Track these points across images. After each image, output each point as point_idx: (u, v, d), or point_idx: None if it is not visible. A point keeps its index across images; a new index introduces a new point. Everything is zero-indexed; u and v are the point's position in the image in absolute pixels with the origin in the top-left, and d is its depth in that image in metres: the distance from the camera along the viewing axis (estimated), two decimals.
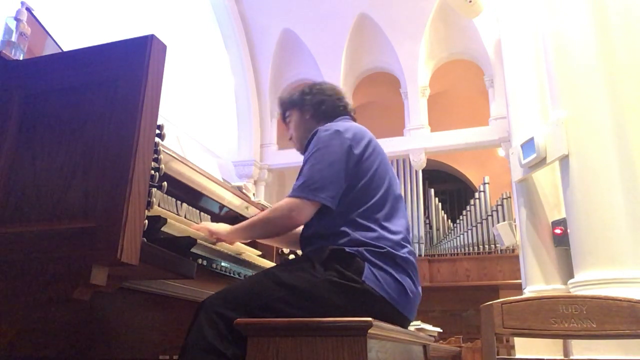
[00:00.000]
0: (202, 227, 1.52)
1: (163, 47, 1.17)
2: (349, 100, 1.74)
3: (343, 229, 1.39)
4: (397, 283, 1.36)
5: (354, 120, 1.69)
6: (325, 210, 1.42)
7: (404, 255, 1.41)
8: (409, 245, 1.46)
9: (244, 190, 2.30)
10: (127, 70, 1.12)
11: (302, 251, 1.55)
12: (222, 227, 1.54)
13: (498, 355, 1.75)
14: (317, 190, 1.39)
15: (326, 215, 1.42)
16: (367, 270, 1.32)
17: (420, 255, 9.41)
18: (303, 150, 1.62)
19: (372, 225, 1.40)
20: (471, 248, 9.59)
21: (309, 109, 1.68)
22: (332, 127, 1.50)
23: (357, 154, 1.46)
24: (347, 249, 1.35)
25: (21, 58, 1.45)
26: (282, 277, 1.32)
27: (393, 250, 1.38)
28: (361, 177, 1.45)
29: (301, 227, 1.79)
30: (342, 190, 1.42)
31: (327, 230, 1.42)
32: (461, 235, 9.77)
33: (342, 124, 1.55)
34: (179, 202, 1.80)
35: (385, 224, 1.43)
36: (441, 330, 4.94)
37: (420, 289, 1.47)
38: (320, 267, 1.33)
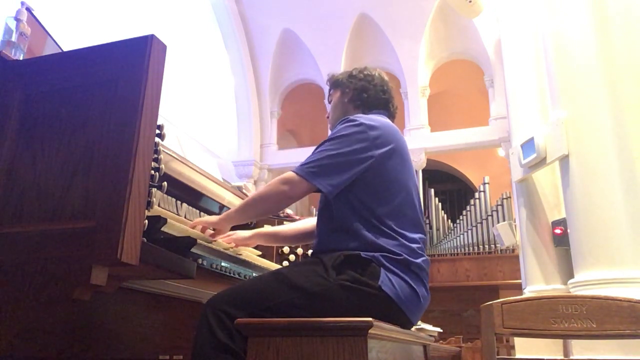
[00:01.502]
0: (196, 222, 1.50)
1: (163, 47, 1.17)
2: (393, 95, 1.69)
3: (361, 230, 1.37)
4: (411, 290, 1.35)
5: (392, 117, 1.65)
6: (344, 206, 1.40)
7: (419, 262, 1.39)
8: (424, 255, 1.44)
9: (244, 190, 2.31)
10: (127, 70, 1.12)
11: (314, 241, 1.53)
12: (213, 217, 1.52)
13: (498, 355, 1.75)
14: (317, 174, 1.37)
15: (345, 212, 1.40)
16: (383, 276, 1.31)
17: None
18: None
19: (391, 232, 1.38)
20: (471, 248, 9.59)
21: (350, 92, 1.64)
22: (361, 119, 1.46)
23: (376, 154, 1.42)
24: (362, 254, 1.33)
25: (21, 58, 1.45)
26: (292, 280, 1.30)
27: (409, 258, 1.37)
28: (382, 179, 1.42)
29: (306, 224, 1.77)
30: (346, 183, 1.39)
31: (344, 226, 1.39)
32: (461, 235, 9.77)
33: (374, 119, 1.50)
34: (179, 202, 1.80)
35: (403, 232, 1.40)
36: (441, 330, 4.94)
37: (429, 294, 1.46)
38: (332, 271, 1.31)
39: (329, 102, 1.73)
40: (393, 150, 1.46)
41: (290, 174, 1.40)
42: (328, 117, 1.72)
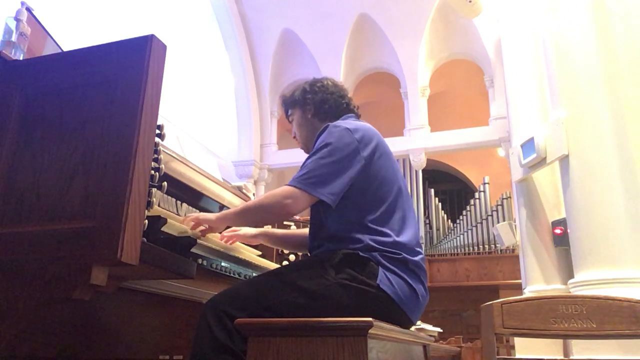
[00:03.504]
0: (190, 217, 1.46)
1: (163, 47, 1.17)
2: (351, 96, 1.70)
3: (356, 235, 1.36)
4: (410, 288, 1.35)
5: (358, 117, 1.66)
6: (336, 213, 1.39)
7: (417, 261, 1.40)
8: (421, 252, 1.45)
9: (244, 190, 2.30)
10: (127, 70, 1.12)
11: (310, 253, 1.52)
12: (210, 214, 1.49)
13: (498, 355, 1.75)
14: (316, 185, 1.36)
15: (338, 219, 1.40)
16: (381, 274, 1.31)
17: None
18: (307, 149, 1.61)
19: (387, 231, 1.38)
20: (471, 248, 9.59)
21: (311, 108, 1.64)
22: (343, 125, 1.47)
23: (364, 156, 1.42)
24: (361, 253, 1.33)
25: (21, 58, 1.45)
26: (292, 279, 1.30)
27: (407, 256, 1.37)
28: (371, 180, 1.42)
29: (307, 230, 1.78)
30: (345, 189, 1.39)
31: (339, 234, 1.39)
32: (461, 235, 9.77)
33: (352, 122, 1.51)
34: (179, 202, 1.80)
35: (398, 231, 1.40)
36: (441, 330, 4.94)
37: (428, 293, 1.46)
38: (332, 270, 1.31)
39: (290, 122, 1.72)
40: (377, 149, 1.47)
41: (290, 189, 1.38)
42: (295, 137, 1.71)
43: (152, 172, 1.15)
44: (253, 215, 1.45)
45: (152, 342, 1.72)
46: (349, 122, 1.51)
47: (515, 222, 6.32)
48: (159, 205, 1.59)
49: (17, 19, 1.52)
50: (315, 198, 1.37)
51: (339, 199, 1.39)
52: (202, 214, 1.50)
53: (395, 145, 9.09)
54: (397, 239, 1.38)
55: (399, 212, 1.44)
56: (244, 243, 1.74)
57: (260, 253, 1.97)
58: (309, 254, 1.54)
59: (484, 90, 9.66)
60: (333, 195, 1.37)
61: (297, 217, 2.72)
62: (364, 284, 1.30)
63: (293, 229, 1.89)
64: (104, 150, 1.08)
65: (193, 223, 1.43)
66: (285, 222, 2.44)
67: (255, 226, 1.67)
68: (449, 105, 10.74)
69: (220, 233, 1.61)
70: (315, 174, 1.38)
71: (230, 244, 1.62)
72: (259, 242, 1.73)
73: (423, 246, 9.68)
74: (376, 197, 1.42)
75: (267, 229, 1.82)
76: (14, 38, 1.48)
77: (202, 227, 1.46)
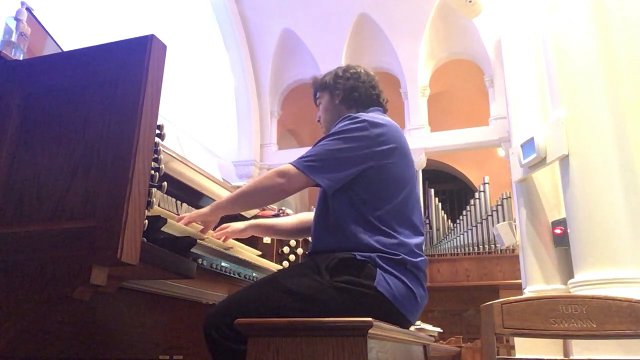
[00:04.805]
0: (181, 219, 1.42)
1: (163, 47, 1.17)
2: (381, 87, 1.65)
3: (357, 229, 1.35)
4: (408, 289, 1.34)
5: (385, 111, 1.62)
6: (341, 203, 1.38)
7: (416, 262, 1.38)
8: (422, 255, 1.43)
9: None
10: (127, 70, 1.12)
11: (311, 240, 1.51)
12: (203, 209, 1.46)
13: (498, 355, 1.75)
14: (315, 168, 1.35)
15: (341, 209, 1.38)
16: (379, 276, 1.30)
17: None
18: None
19: (390, 231, 1.36)
20: (471, 248, 9.60)
21: (340, 93, 1.60)
22: (363, 116, 1.44)
23: (377, 151, 1.39)
24: (358, 256, 1.31)
25: (21, 58, 1.45)
26: (286, 284, 1.29)
27: (407, 257, 1.35)
28: (381, 177, 1.39)
29: (303, 218, 1.75)
30: (346, 180, 1.37)
31: (340, 225, 1.37)
32: (461, 235, 9.77)
33: (376, 116, 1.47)
34: (179, 202, 1.80)
35: (403, 231, 1.38)
36: (441, 330, 4.94)
37: (427, 294, 1.45)
38: (326, 274, 1.29)
39: (317, 105, 1.68)
40: (395, 149, 1.44)
41: (287, 167, 1.37)
42: (319, 121, 1.67)
43: (152, 172, 1.15)
44: (248, 197, 1.42)
45: (152, 342, 1.72)
46: (374, 116, 1.47)
47: (515, 222, 6.32)
48: (159, 205, 1.59)
49: (17, 19, 1.52)
50: (311, 180, 1.35)
51: (336, 187, 1.37)
52: (193, 212, 1.48)
53: None
54: (399, 239, 1.36)
55: (406, 213, 1.42)
56: (234, 239, 1.72)
57: (260, 253, 1.97)
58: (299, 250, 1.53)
59: (484, 90, 9.67)
60: (331, 182, 1.35)
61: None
62: (361, 286, 1.28)
63: (282, 218, 1.86)
64: (104, 150, 1.08)
65: (186, 220, 1.40)
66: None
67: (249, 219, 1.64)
68: (449, 105, 10.75)
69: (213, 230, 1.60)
70: (317, 157, 1.36)
71: (223, 241, 1.60)
72: (249, 234, 1.70)
73: (423, 246, 9.65)
74: (386, 194, 1.39)
75: (256, 220, 1.78)
76: (14, 38, 1.48)
77: (198, 226, 1.45)
